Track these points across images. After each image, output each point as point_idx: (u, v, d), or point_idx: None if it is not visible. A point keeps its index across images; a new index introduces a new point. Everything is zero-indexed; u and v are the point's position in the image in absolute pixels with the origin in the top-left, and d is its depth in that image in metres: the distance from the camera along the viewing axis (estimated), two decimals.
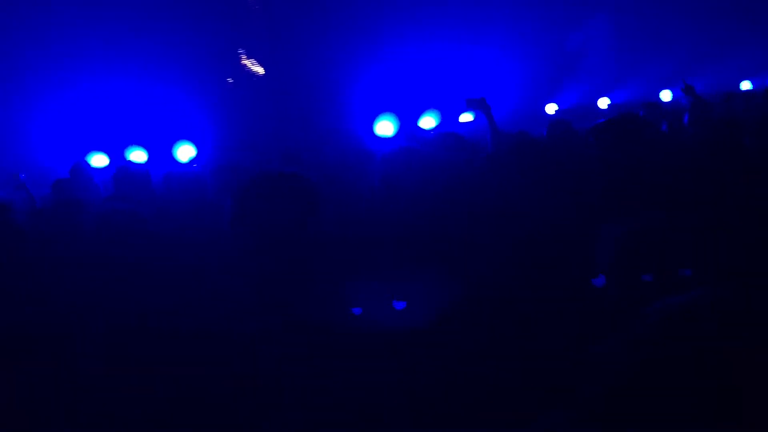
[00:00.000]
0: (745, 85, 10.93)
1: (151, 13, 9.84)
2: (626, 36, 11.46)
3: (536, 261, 3.04)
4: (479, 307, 2.78)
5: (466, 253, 3.03)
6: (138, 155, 9.42)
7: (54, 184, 4.94)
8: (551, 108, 11.22)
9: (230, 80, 10.53)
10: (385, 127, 9.52)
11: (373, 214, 3.37)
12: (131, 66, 9.77)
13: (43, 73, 9.50)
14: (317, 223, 2.24)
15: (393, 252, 2.93)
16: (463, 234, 3.09)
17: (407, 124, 9.39)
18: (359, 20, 10.63)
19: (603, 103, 11.19)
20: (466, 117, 10.23)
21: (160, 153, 9.24)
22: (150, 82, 9.88)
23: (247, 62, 10.55)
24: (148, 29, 9.80)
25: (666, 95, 10.90)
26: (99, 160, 9.16)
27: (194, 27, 10.24)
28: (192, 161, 9.06)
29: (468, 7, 10.73)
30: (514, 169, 3.52)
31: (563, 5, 11.26)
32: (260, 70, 10.50)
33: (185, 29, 10.10)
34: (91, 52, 9.61)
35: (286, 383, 1.98)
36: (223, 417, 1.96)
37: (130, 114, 9.84)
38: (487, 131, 4.82)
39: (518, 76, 10.99)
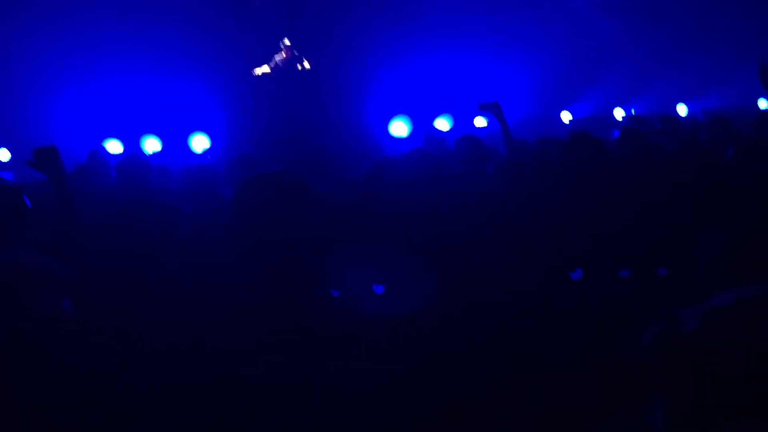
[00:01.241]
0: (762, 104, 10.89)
1: (172, 8, 9.92)
2: (644, 45, 11.42)
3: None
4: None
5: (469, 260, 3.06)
6: (152, 144, 9.50)
7: (75, 168, 4.99)
8: (566, 116, 11.22)
9: (257, 72, 10.56)
10: (400, 127, 9.57)
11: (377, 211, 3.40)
12: (149, 59, 9.87)
13: (66, 66, 9.64)
14: (313, 221, 2.29)
15: (389, 247, 2.99)
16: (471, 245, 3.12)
17: (422, 125, 9.43)
18: (377, 23, 10.68)
19: (618, 114, 11.16)
20: (480, 121, 10.26)
21: (175, 143, 9.31)
22: (168, 74, 9.97)
23: (280, 55, 10.59)
24: (167, 23, 9.88)
25: (682, 109, 10.87)
26: (114, 146, 9.26)
27: (214, 22, 10.32)
28: (206, 152, 9.13)
29: (483, 15, 10.75)
30: (533, 178, 3.53)
31: (581, 13, 11.25)
32: (306, 64, 10.51)
33: (205, 24, 10.18)
34: (112, 47, 9.74)
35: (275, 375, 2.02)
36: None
37: (147, 105, 9.93)
38: (500, 136, 4.83)
39: (532, 83, 10.99)
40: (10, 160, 9.23)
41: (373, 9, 10.73)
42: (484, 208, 3.55)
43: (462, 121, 10.24)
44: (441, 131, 9.27)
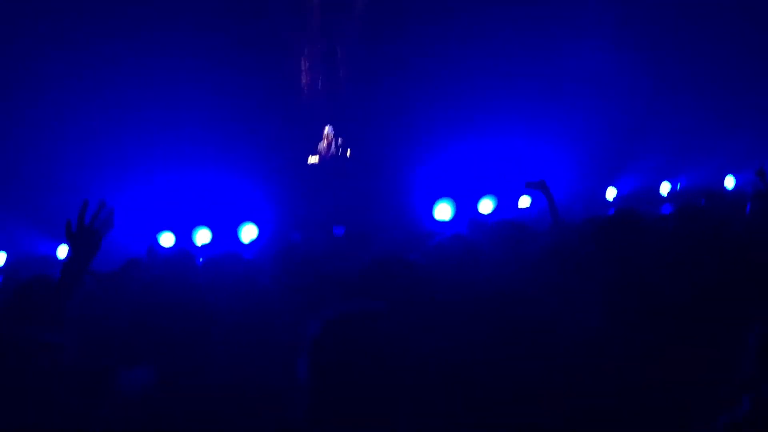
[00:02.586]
0: None
1: (217, 104, 10.41)
2: (689, 117, 11.37)
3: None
4: None
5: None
6: (203, 235, 9.77)
7: (129, 262, 5.14)
8: (611, 192, 11.16)
9: (311, 161, 10.85)
10: (444, 211, 9.65)
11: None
12: (198, 156, 10.29)
13: (121, 166, 10.11)
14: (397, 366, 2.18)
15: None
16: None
17: (466, 208, 9.50)
18: (418, 107, 10.95)
19: (664, 188, 11.06)
20: (524, 202, 10.29)
21: (226, 234, 9.56)
22: (216, 168, 10.35)
23: (327, 145, 10.89)
24: (216, 121, 10.36)
25: (730, 182, 10.73)
26: (167, 239, 9.55)
27: (258, 114, 10.74)
28: (254, 242, 9.33)
29: (523, 96, 10.94)
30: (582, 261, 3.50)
31: (623, 86, 11.33)
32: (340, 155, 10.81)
33: (249, 116, 10.61)
34: (163, 148, 10.19)
35: None
36: None
37: (199, 198, 10.25)
38: (547, 214, 4.84)
39: (575, 161, 10.99)
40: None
41: (415, 95, 11.02)
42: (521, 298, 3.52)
43: (506, 203, 10.28)
44: (484, 216, 9.31)
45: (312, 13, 11.32)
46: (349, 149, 10.90)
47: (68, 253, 2.76)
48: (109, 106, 10.14)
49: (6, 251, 9.51)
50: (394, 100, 11.08)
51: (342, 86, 11.53)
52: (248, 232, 9.53)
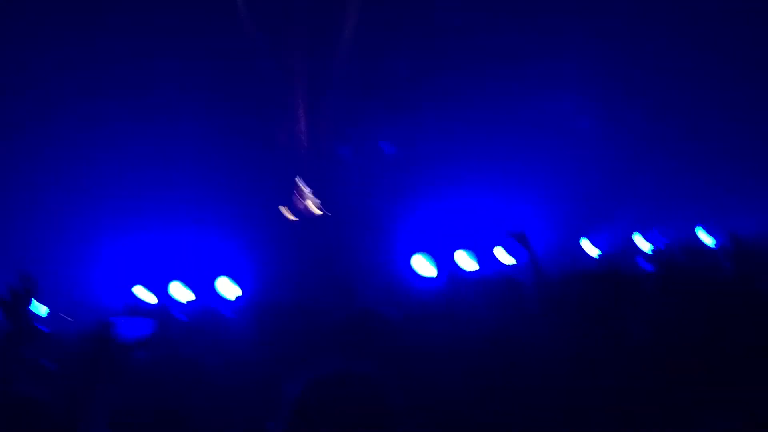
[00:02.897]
0: None
1: (196, 162, 10.47)
2: (665, 170, 11.57)
3: None
4: None
5: None
6: (177, 289, 9.65)
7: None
8: (586, 244, 11.22)
9: (284, 210, 10.86)
10: (422, 265, 9.63)
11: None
12: (179, 210, 10.29)
13: (98, 225, 10.09)
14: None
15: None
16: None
17: (444, 262, 9.48)
18: (397, 163, 11.06)
19: (643, 244, 11.14)
20: (501, 253, 10.31)
21: (204, 289, 9.46)
22: (193, 224, 10.34)
23: (301, 199, 10.90)
24: (195, 176, 10.40)
25: (705, 237, 10.84)
26: (142, 292, 9.43)
27: (237, 170, 10.78)
28: (235, 298, 9.23)
29: (498, 150, 11.10)
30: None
31: (598, 140, 11.54)
32: (316, 210, 10.86)
33: (233, 173, 10.65)
34: (143, 204, 10.18)
35: None
36: None
37: (176, 253, 10.21)
38: (528, 267, 4.83)
39: (551, 214, 11.09)
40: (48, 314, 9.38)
41: (393, 150, 11.14)
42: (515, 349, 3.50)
43: (485, 257, 10.29)
44: (463, 270, 9.33)
45: (291, 67, 11.46)
46: (320, 203, 10.91)
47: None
48: (84, 162, 10.16)
49: None
50: (372, 154, 11.19)
51: (320, 140, 11.59)
52: (225, 287, 9.43)
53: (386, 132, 11.26)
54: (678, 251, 6.56)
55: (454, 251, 10.40)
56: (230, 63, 11.03)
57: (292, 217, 10.93)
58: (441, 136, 11.12)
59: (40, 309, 9.19)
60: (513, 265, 9.81)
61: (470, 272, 9.35)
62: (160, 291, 9.56)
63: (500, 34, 11.21)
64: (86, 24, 10.23)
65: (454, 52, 11.28)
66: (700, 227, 11.02)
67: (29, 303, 2.90)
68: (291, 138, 11.58)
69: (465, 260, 10.22)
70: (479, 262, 9.93)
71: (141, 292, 9.57)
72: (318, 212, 10.88)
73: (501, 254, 10.37)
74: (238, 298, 9.15)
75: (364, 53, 11.38)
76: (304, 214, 10.91)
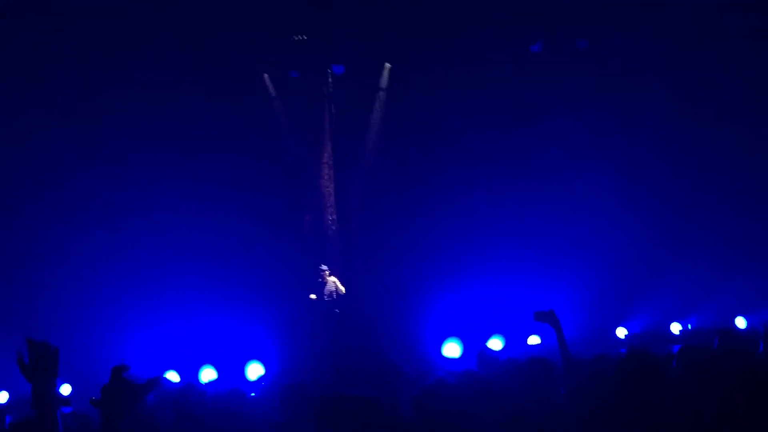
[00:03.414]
0: None
1: (223, 249, 10.75)
2: (701, 259, 11.39)
3: None
4: None
5: None
6: (209, 374, 9.69)
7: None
8: (621, 332, 11.03)
9: (313, 297, 10.93)
10: (452, 349, 9.58)
11: None
12: (204, 298, 10.50)
13: (129, 311, 10.35)
14: None
15: None
16: None
17: (474, 347, 9.39)
18: (427, 249, 11.15)
19: (675, 328, 10.94)
20: (533, 339, 10.18)
21: (232, 372, 9.49)
22: (223, 313, 10.49)
23: (329, 281, 10.99)
24: (220, 263, 10.68)
25: (741, 322, 10.62)
26: (173, 377, 9.47)
27: (265, 258, 11.00)
28: (260, 380, 9.21)
29: (527, 237, 11.14)
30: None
31: (632, 224, 11.49)
32: (341, 288, 10.92)
33: (258, 259, 10.89)
34: (175, 297, 10.46)
35: None
36: None
37: (206, 339, 10.31)
38: (556, 350, 4.77)
39: (586, 301, 10.94)
40: (70, 393, 9.45)
41: (422, 236, 11.25)
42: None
43: (515, 341, 10.18)
44: (493, 351, 9.22)
45: (319, 151, 11.81)
46: (343, 288, 10.98)
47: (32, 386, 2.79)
48: (116, 244, 10.48)
49: (7, 390, 9.48)
50: (402, 240, 11.30)
51: (350, 226, 11.76)
52: (255, 370, 9.47)
53: (421, 219, 11.40)
54: (712, 336, 6.42)
55: (486, 337, 10.33)
56: (261, 150, 11.41)
57: (315, 298, 11.01)
58: (476, 218, 11.28)
59: (64, 388, 9.29)
60: (541, 346, 9.68)
61: (498, 352, 9.24)
62: (191, 376, 9.61)
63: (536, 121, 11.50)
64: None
65: (481, 133, 11.55)
66: (741, 316, 10.80)
67: (54, 378, 2.89)
68: (318, 223, 11.79)
69: (497, 345, 10.15)
70: (509, 345, 9.84)
71: (173, 377, 9.62)
72: (342, 292, 10.93)
73: (532, 339, 10.27)
74: (261, 378, 9.14)
75: (388, 136, 11.72)
76: (331, 296, 10.96)
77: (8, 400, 9.32)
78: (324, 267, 10.98)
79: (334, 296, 10.89)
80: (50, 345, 2.87)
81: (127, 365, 2.94)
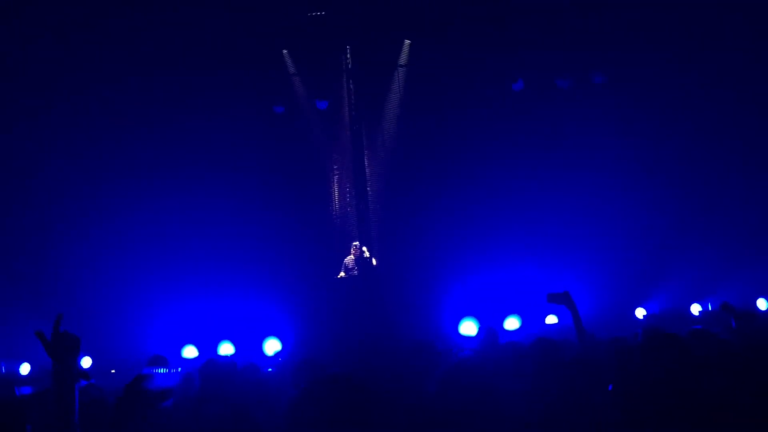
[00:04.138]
0: None
1: (248, 232, 10.80)
2: (720, 240, 11.32)
3: None
4: None
5: None
6: (227, 348, 9.82)
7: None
8: (640, 312, 10.98)
9: (341, 275, 11.02)
10: (469, 328, 9.58)
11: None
12: (229, 276, 10.59)
13: (153, 292, 10.55)
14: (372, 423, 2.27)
15: None
16: None
17: (491, 325, 9.39)
18: (448, 230, 11.14)
19: (695, 309, 10.86)
20: (551, 319, 10.16)
21: (249, 347, 9.60)
22: (243, 293, 10.59)
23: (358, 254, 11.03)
24: (246, 242, 10.72)
25: (762, 303, 10.52)
26: (190, 351, 9.61)
27: (290, 235, 11.04)
28: (277, 355, 9.29)
29: (543, 221, 11.09)
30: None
31: (651, 208, 11.41)
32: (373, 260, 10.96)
33: (283, 238, 10.92)
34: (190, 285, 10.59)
35: None
36: None
37: (226, 314, 10.42)
38: (572, 330, 4.75)
39: (605, 282, 10.90)
40: (90, 366, 9.63)
41: (444, 218, 11.24)
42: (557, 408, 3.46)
43: (532, 321, 10.17)
44: (509, 331, 9.25)
45: (343, 137, 11.76)
46: (374, 259, 11.00)
47: (52, 361, 2.87)
48: (140, 234, 10.60)
49: (30, 362, 9.67)
50: (422, 221, 11.29)
51: (372, 208, 11.73)
52: (272, 346, 9.57)
53: (434, 198, 11.37)
54: (730, 317, 6.36)
55: (503, 317, 10.34)
56: (281, 127, 11.40)
57: (342, 275, 11.04)
58: (498, 200, 11.26)
59: (84, 360, 9.46)
60: (558, 325, 9.67)
61: (512, 331, 9.24)
62: (210, 350, 9.74)
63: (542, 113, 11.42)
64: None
65: (493, 131, 11.49)
66: (762, 297, 10.71)
67: (75, 358, 2.93)
68: (346, 204, 11.78)
69: (513, 325, 10.15)
70: (526, 324, 9.83)
71: (191, 352, 9.75)
72: (369, 265, 10.93)
73: (550, 318, 10.26)
74: (278, 353, 9.22)
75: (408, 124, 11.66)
76: (356, 272, 10.98)
77: (30, 372, 9.50)
78: (356, 243, 11.05)
79: (362, 266, 10.93)
80: (71, 335, 2.93)
81: (151, 374, 3.02)
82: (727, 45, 11.12)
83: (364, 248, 10.60)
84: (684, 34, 11.13)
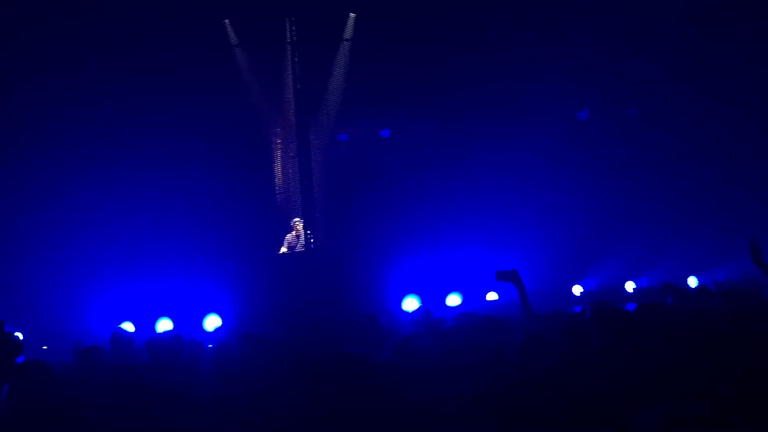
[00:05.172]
0: None
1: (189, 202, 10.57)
2: (656, 221, 11.64)
3: None
4: None
5: None
6: (164, 325, 9.66)
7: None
8: (577, 289, 11.24)
9: (282, 251, 10.84)
10: (411, 304, 9.67)
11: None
12: (168, 248, 10.33)
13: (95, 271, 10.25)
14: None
15: None
16: None
17: (433, 304, 9.47)
18: (391, 206, 11.11)
19: (629, 287, 11.19)
20: (492, 296, 10.31)
21: (190, 323, 9.45)
22: (182, 269, 10.37)
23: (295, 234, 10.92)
24: (186, 214, 10.49)
25: (692, 281, 10.92)
26: (128, 328, 9.39)
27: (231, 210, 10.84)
28: (217, 331, 9.19)
29: (487, 202, 11.18)
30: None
31: (591, 188, 11.64)
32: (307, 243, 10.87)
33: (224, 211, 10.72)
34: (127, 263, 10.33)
35: None
36: None
37: (165, 291, 10.18)
38: (517, 306, 4.83)
39: (542, 259, 11.07)
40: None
41: (387, 195, 11.20)
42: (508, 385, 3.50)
43: (473, 297, 10.29)
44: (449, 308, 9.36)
45: (288, 111, 11.55)
46: (314, 240, 10.93)
47: None
48: (71, 213, 10.26)
49: None
50: (365, 197, 11.23)
51: (316, 183, 11.58)
52: (212, 322, 9.45)
53: (378, 174, 11.32)
54: (665, 294, 6.57)
55: (445, 294, 10.44)
56: (222, 99, 11.09)
57: (284, 251, 10.92)
58: (434, 180, 11.24)
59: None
60: (498, 302, 9.82)
61: (452, 308, 9.35)
62: (148, 328, 9.54)
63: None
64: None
65: (452, 98, 11.44)
66: (693, 276, 11.10)
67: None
68: (289, 178, 11.61)
69: (455, 301, 10.26)
70: (467, 301, 9.95)
71: (128, 327, 9.52)
72: (310, 247, 10.86)
73: (490, 295, 10.41)
74: (218, 329, 9.13)
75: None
76: (297, 250, 10.90)
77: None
78: (297, 219, 10.90)
79: (301, 248, 10.85)
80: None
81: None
82: None
83: (301, 226, 10.56)
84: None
